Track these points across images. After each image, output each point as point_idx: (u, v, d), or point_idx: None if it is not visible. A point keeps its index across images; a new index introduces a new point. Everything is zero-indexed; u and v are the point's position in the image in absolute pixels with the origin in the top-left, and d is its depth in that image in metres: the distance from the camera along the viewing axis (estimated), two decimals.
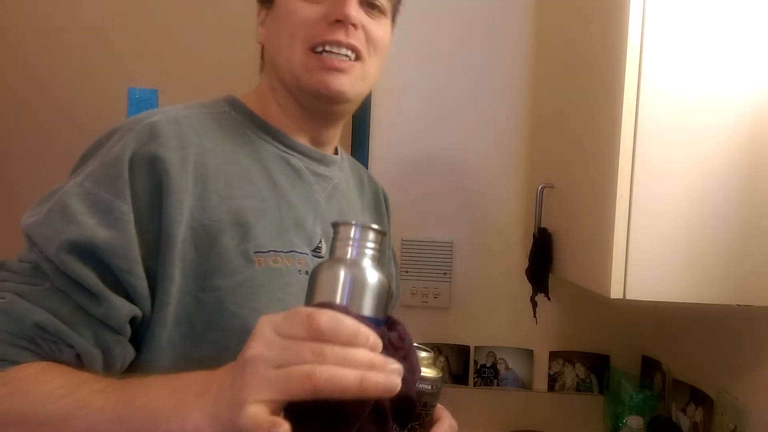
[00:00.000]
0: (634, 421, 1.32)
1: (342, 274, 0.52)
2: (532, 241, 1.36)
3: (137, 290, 0.65)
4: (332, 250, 0.54)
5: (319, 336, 0.46)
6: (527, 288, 1.39)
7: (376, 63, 0.81)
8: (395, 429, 0.55)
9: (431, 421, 0.71)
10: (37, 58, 1.60)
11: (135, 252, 0.64)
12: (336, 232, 0.55)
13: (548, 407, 1.56)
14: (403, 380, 0.49)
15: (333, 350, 0.45)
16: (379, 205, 1.03)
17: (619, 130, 0.96)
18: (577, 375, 1.57)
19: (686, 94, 0.95)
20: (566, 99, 1.28)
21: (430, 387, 0.65)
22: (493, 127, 1.57)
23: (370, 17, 0.78)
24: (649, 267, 0.96)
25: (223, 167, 0.73)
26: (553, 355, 1.58)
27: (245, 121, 0.80)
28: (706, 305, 0.97)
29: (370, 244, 0.54)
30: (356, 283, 0.52)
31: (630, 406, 1.39)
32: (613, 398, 1.49)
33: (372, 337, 0.48)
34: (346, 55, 0.76)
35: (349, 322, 0.47)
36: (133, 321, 0.66)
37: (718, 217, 0.95)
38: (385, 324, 0.54)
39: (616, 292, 0.96)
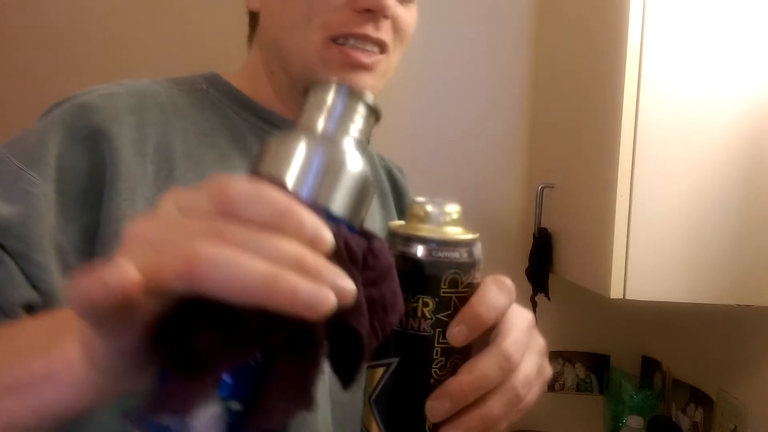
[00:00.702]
0: (634, 421, 1.32)
1: (302, 146, 0.34)
2: (532, 241, 1.36)
3: (38, 285, 0.49)
4: (299, 119, 0.37)
5: (227, 209, 0.29)
6: (527, 288, 1.39)
7: (398, 54, 0.69)
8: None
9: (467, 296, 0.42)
10: (36, 58, 1.59)
11: (41, 235, 0.49)
12: (307, 97, 0.37)
13: (548, 407, 1.55)
14: (357, 312, 0.31)
15: (239, 230, 0.28)
16: (384, 192, 0.83)
17: (619, 129, 0.96)
18: (577, 375, 1.57)
19: (686, 94, 0.95)
20: (566, 99, 1.28)
21: (458, 255, 0.40)
22: (493, 126, 1.57)
23: (401, 3, 0.65)
24: (649, 267, 0.96)
25: (195, 152, 0.60)
26: (553, 355, 1.57)
27: (226, 100, 0.67)
28: (706, 305, 0.97)
29: (358, 120, 0.36)
30: (324, 163, 0.33)
31: (630, 406, 1.39)
32: (613, 398, 1.49)
33: (313, 226, 0.29)
34: (371, 49, 0.63)
35: (276, 197, 0.29)
36: (31, 311, 0.49)
37: (718, 217, 0.95)
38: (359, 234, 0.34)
39: (616, 292, 0.96)
